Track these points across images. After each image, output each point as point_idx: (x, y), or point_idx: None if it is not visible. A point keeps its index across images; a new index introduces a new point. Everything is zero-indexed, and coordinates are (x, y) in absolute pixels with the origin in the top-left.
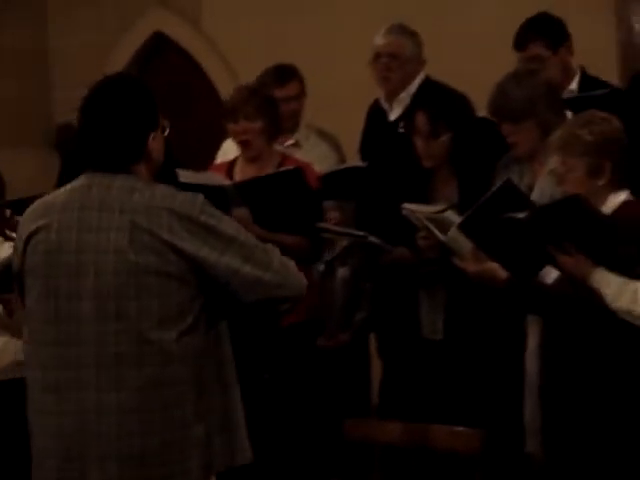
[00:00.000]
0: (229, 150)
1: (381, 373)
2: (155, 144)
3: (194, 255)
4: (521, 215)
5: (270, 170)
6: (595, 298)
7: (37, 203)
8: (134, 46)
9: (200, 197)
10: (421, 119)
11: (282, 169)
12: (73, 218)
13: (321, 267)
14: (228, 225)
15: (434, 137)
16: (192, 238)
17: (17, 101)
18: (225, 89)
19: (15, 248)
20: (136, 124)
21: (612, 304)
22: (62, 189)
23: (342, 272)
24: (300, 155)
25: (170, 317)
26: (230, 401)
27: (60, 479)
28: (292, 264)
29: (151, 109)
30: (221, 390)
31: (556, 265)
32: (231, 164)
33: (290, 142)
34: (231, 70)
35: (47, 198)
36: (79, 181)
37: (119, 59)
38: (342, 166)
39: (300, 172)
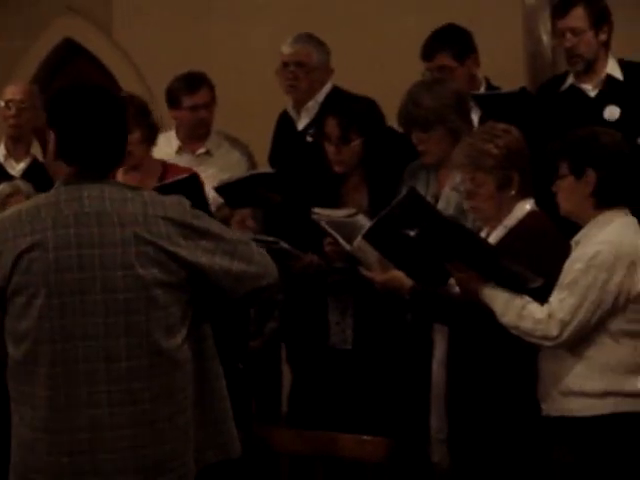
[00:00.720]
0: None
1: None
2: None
3: (193, 262)
4: (412, 233)
5: (153, 180)
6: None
7: (15, 214)
8: (44, 53)
9: (185, 199)
10: (331, 125)
11: (181, 177)
12: (69, 235)
13: None
14: (214, 224)
15: (345, 143)
16: (188, 244)
17: None
18: None
19: None
20: (118, 128)
21: (500, 319)
22: (42, 199)
23: None
24: (212, 162)
25: (175, 325)
26: (220, 396)
27: None
28: (265, 253)
29: (124, 113)
30: (211, 387)
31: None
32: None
33: (201, 150)
34: (141, 77)
35: (27, 210)
36: (62, 192)
37: (28, 65)
38: (249, 173)
39: (197, 178)
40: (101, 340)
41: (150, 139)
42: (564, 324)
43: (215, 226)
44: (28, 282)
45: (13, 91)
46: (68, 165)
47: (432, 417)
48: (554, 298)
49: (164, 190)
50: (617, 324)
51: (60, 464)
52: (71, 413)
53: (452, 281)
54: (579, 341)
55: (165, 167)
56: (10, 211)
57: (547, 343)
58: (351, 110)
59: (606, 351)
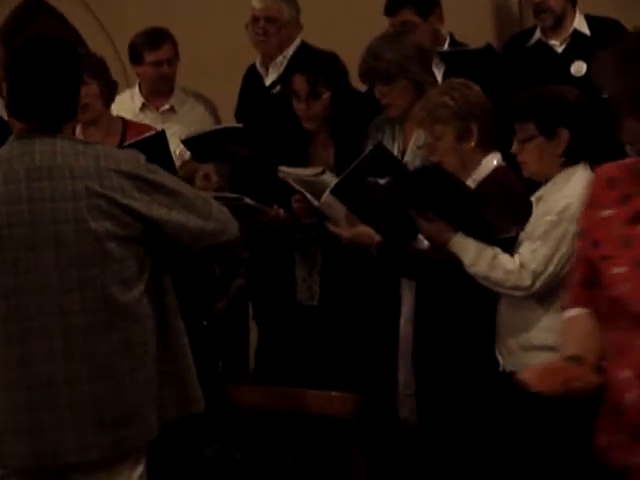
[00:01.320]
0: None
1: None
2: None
3: (147, 215)
4: (382, 181)
5: (115, 136)
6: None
7: None
8: (7, 9)
9: (140, 154)
10: (300, 81)
11: (148, 134)
12: (20, 189)
13: None
14: (170, 179)
15: (315, 98)
16: (142, 197)
17: None
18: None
19: None
20: (70, 82)
21: (470, 269)
22: None
23: None
24: (176, 119)
25: (131, 279)
26: (182, 352)
27: (35, 452)
28: (225, 209)
29: (78, 67)
30: (173, 343)
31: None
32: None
33: (165, 107)
34: (106, 33)
35: None
36: (14, 147)
37: None
38: (218, 127)
39: (164, 135)
40: (55, 295)
41: (108, 95)
42: (536, 274)
43: (172, 181)
44: None
45: None
46: (18, 120)
47: (400, 372)
48: (525, 249)
49: (138, 146)
50: None
51: (19, 421)
52: (27, 369)
53: (420, 237)
54: (544, 294)
55: (125, 124)
56: None
57: (518, 293)
58: (318, 64)
59: None
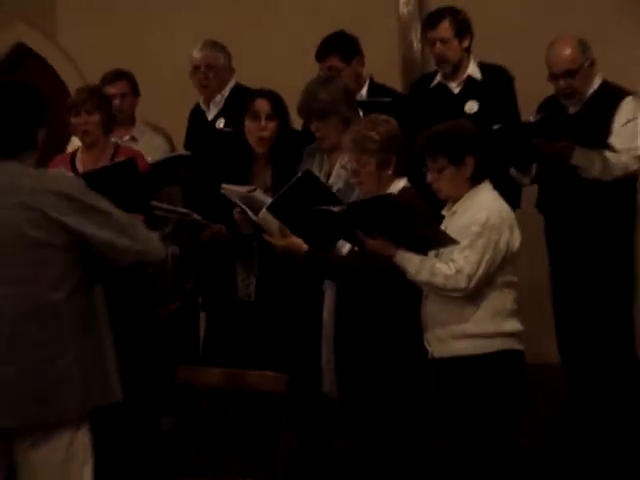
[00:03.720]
0: (76, 144)
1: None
2: (43, 137)
3: (77, 229)
4: (336, 209)
5: (106, 158)
6: (396, 270)
7: None
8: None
9: (81, 180)
10: (262, 104)
11: (117, 161)
12: None
13: None
14: (105, 204)
15: (271, 119)
16: (76, 215)
17: None
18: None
19: None
20: (27, 118)
21: (415, 277)
22: None
23: (172, 249)
24: (138, 147)
25: (58, 281)
26: (104, 349)
27: None
28: (154, 235)
29: (38, 107)
30: (97, 340)
31: (360, 244)
32: (72, 155)
33: (127, 137)
34: (81, 74)
35: None
36: None
37: None
38: (171, 155)
39: (133, 162)
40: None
41: (108, 125)
42: (470, 277)
43: (107, 206)
44: None
45: None
46: None
47: (323, 353)
48: (458, 256)
49: (105, 171)
50: (502, 277)
51: None
52: None
53: (339, 245)
54: (476, 292)
55: (117, 148)
56: None
57: (456, 294)
58: (275, 95)
59: (495, 299)
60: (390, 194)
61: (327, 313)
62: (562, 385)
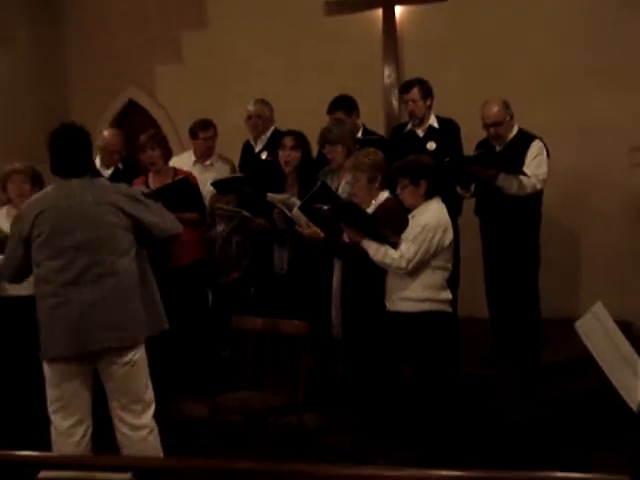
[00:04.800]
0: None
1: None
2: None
3: (134, 215)
4: (325, 207)
5: (169, 179)
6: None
7: (35, 198)
8: (117, 109)
9: (136, 188)
10: (289, 139)
11: (177, 178)
12: (64, 203)
13: (222, 234)
14: (148, 201)
15: (295, 149)
16: (132, 206)
17: None
18: (169, 134)
19: (19, 228)
20: (89, 150)
21: (373, 257)
22: (46, 189)
23: (235, 238)
24: (213, 170)
25: (125, 250)
26: (153, 292)
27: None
28: (174, 218)
29: (88, 142)
30: (149, 286)
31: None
32: (146, 178)
33: (207, 163)
34: (172, 120)
35: (38, 195)
36: (57, 184)
37: (108, 115)
38: (230, 175)
39: (187, 179)
40: (86, 256)
41: (167, 157)
42: (409, 261)
43: (149, 202)
44: (40, 230)
45: (108, 134)
46: (54, 173)
47: (332, 309)
48: (404, 246)
49: (170, 186)
50: (435, 262)
51: (67, 326)
52: (65, 290)
53: (345, 235)
54: (414, 271)
55: (175, 171)
56: (36, 195)
57: (399, 271)
58: (298, 134)
59: (428, 277)
60: (352, 202)
61: (336, 281)
62: (490, 331)
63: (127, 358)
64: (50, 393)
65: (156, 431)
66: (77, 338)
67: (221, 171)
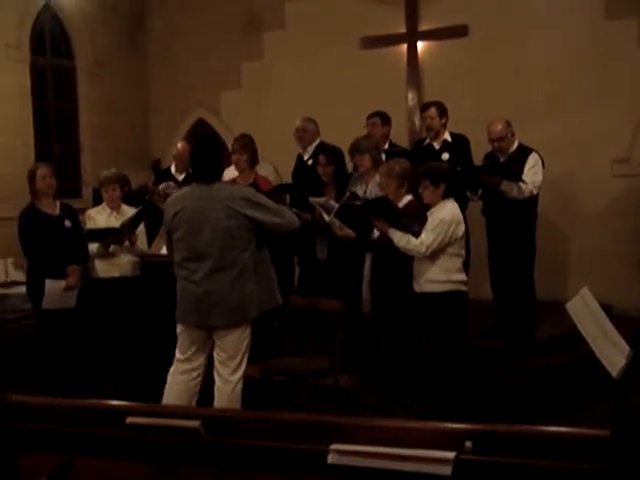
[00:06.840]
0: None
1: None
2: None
3: (253, 217)
4: (358, 203)
5: (250, 179)
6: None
7: (175, 196)
8: (188, 126)
9: (254, 190)
10: (322, 158)
11: (274, 187)
12: (197, 204)
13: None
14: (266, 201)
15: (327, 165)
16: (251, 208)
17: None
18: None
19: (165, 219)
20: (220, 160)
21: (397, 244)
22: (187, 189)
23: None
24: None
25: (245, 246)
26: (271, 279)
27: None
28: (292, 214)
29: (218, 150)
30: (265, 269)
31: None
32: (234, 179)
33: (257, 167)
34: (233, 135)
35: (178, 193)
36: (194, 187)
37: (182, 131)
38: (284, 183)
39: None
40: (213, 252)
41: (253, 161)
42: (427, 247)
43: (267, 202)
44: (179, 225)
45: (181, 145)
46: (194, 178)
47: (363, 291)
48: (424, 235)
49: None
50: (451, 250)
51: (192, 307)
52: (196, 276)
53: (374, 233)
54: (433, 256)
55: (256, 175)
56: (177, 192)
57: (419, 256)
58: (330, 152)
59: (446, 261)
60: (385, 196)
61: (367, 268)
62: (493, 310)
63: (236, 333)
64: (179, 344)
65: (238, 389)
66: (196, 316)
67: (264, 171)
